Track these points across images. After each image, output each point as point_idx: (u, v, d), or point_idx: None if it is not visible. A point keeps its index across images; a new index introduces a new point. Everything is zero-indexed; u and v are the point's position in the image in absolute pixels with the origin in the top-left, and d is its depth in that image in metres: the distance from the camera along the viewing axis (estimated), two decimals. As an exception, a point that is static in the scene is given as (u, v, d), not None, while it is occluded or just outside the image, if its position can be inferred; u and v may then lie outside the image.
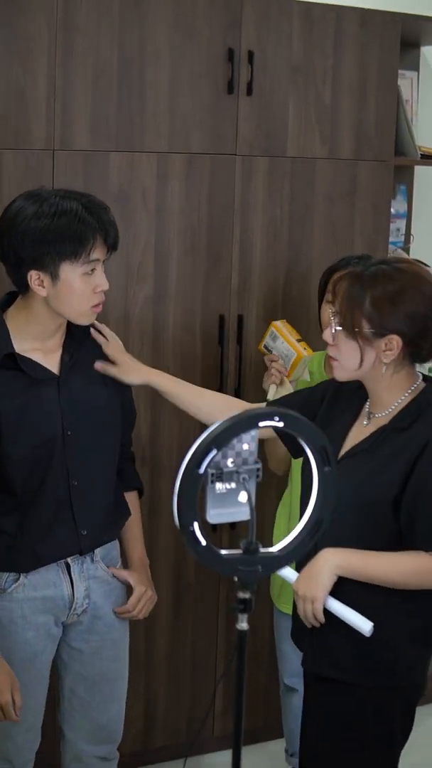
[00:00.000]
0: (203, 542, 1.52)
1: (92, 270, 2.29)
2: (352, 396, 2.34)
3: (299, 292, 3.26)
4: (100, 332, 2.50)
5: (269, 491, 3.11)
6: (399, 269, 2.22)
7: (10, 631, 2.39)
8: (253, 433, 1.53)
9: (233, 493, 1.54)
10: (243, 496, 1.54)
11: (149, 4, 2.90)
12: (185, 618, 3.31)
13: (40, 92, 2.80)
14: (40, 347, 2.36)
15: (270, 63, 3.10)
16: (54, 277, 2.26)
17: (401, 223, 3.68)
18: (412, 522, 2.17)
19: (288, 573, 2.25)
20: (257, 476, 1.55)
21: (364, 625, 2.16)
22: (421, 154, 3.48)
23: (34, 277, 2.26)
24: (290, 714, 3.04)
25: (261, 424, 1.52)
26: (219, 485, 1.52)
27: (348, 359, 2.22)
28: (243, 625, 1.56)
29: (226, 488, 1.53)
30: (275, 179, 3.17)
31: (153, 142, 2.98)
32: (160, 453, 3.15)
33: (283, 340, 2.87)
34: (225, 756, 1.77)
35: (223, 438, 1.50)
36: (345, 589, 2.20)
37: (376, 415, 2.28)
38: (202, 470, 1.49)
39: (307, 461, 1.59)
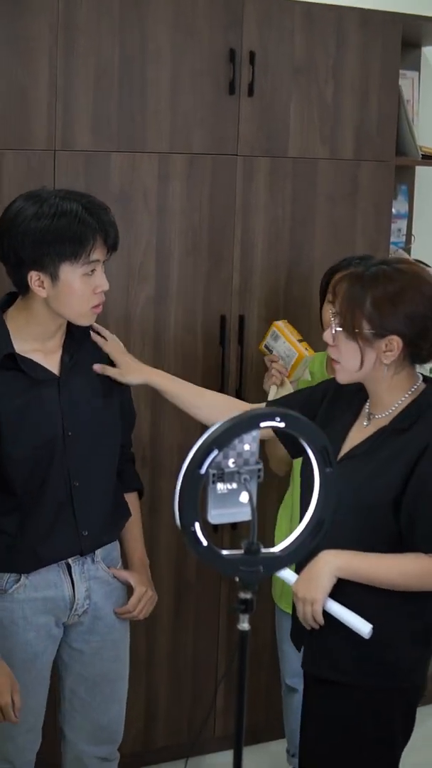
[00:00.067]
0: (204, 543, 1.52)
1: (92, 271, 2.29)
2: (352, 397, 2.34)
3: (300, 292, 3.26)
4: (99, 333, 2.50)
5: (270, 492, 3.11)
6: (399, 270, 2.21)
7: (11, 631, 2.39)
8: (255, 433, 1.53)
9: (234, 493, 1.53)
10: (244, 497, 1.54)
11: (149, 3, 2.90)
12: (186, 618, 3.31)
13: (41, 92, 2.80)
14: (41, 348, 2.36)
15: (271, 63, 3.10)
16: (54, 277, 2.26)
17: (402, 224, 3.68)
18: (413, 523, 2.16)
19: (287, 575, 2.24)
20: (258, 477, 1.55)
21: (363, 627, 2.15)
22: (422, 155, 3.48)
23: (34, 277, 2.26)
24: (292, 714, 3.04)
25: (262, 424, 1.52)
26: (220, 485, 1.52)
27: (348, 360, 2.22)
28: (244, 625, 1.56)
29: (227, 488, 1.53)
30: (276, 179, 3.17)
31: (154, 143, 2.98)
32: (160, 453, 3.14)
33: (284, 340, 2.87)
34: (226, 756, 1.77)
35: (225, 438, 1.49)
36: (345, 590, 2.19)
37: (376, 416, 2.28)
38: (203, 471, 1.49)
39: (307, 462, 1.59)
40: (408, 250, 3.67)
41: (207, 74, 3.01)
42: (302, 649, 2.37)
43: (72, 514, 2.40)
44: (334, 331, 2.23)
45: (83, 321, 2.36)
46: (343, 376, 2.26)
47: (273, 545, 1.61)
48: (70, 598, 2.43)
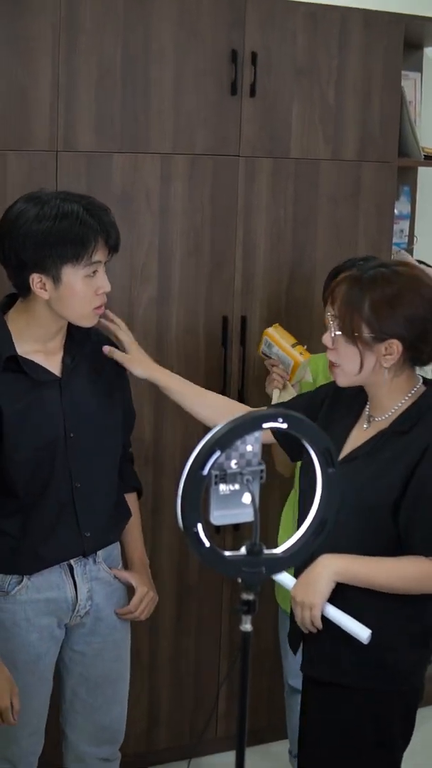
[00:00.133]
0: (207, 544, 1.52)
1: (94, 272, 2.29)
2: (352, 400, 2.33)
3: (303, 293, 3.26)
4: (112, 321, 2.49)
5: (273, 492, 3.11)
6: (397, 272, 2.19)
7: (13, 633, 2.39)
8: (257, 434, 1.53)
9: (237, 494, 1.53)
10: (247, 498, 1.54)
11: (153, 3, 2.90)
12: (188, 619, 3.31)
13: (43, 93, 2.80)
14: (42, 349, 2.35)
15: (274, 64, 3.09)
16: (56, 280, 2.26)
17: (405, 225, 3.68)
18: (412, 526, 2.15)
19: (285, 579, 2.22)
20: (261, 477, 1.55)
21: (362, 632, 2.14)
22: (424, 155, 3.47)
23: (36, 280, 2.26)
24: (294, 715, 3.03)
25: (264, 425, 1.52)
26: (223, 486, 1.52)
27: (348, 363, 2.21)
28: (247, 626, 1.56)
29: (229, 489, 1.53)
30: (279, 180, 3.17)
31: (156, 143, 2.98)
32: (163, 453, 3.14)
33: (278, 348, 2.84)
34: (228, 757, 1.76)
35: (227, 439, 1.49)
36: (344, 593, 2.18)
37: (376, 419, 2.27)
38: (205, 472, 1.49)
39: (308, 463, 1.59)
40: (410, 251, 3.67)
41: (209, 74, 3.01)
42: (301, 653, 2.36)
43: (74, 515, 2.40)
44: (333, 335, 2.21)
45: (85, 322, 2.36)
46: (343, 380, 2.25)
47: (276, 545, 1.61)
48: (72, 599, 2.43)
